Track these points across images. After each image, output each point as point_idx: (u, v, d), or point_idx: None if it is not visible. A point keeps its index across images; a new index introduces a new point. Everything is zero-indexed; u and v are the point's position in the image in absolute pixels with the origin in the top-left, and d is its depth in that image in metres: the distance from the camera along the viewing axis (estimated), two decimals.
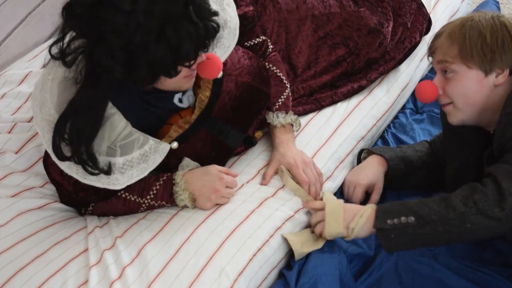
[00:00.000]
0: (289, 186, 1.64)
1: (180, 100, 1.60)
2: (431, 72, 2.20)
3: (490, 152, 1.47)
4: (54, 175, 1.56)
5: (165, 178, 1.57)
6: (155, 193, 1.57)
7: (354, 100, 1.93)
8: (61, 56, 1.36)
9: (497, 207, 1.31)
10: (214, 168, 1.58)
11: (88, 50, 1.33)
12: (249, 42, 1.76)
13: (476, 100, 1.45)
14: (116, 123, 1.45)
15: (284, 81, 1.78)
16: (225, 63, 1.59)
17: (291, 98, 1.81)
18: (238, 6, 1.70)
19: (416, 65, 2.09)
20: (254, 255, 1.49)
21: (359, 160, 1.81)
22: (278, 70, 1.78)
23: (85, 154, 1.40)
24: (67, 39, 1.35)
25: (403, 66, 2.04)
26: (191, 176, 1.56)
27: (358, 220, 1.44)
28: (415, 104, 2.12)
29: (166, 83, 1.43)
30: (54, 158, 1.43)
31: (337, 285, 1.50)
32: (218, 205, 1.58)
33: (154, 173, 1.56)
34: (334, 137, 1.82)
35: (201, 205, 1.56)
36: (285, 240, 1.54)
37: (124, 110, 1.47)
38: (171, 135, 1.56)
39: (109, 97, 1.42)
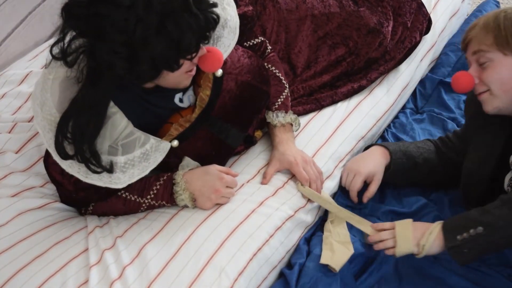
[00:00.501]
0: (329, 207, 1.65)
1: (181, 100, 1.60)
2: (431, 72, 2.21)
3: None
4: (55, 174, 1.56)
5: (165, 178, 1.57)
6: (156, 193, 1.57)
7: (354, 100, 1.93)
8: (63, 56, 1.36)
9: None
10: (214, 168, 1.58)
11: (89, 48, 1.33)
12: (248, 42, 1.76)
13: None
14: (118, 122, 1.45)
15: (283, 81, 1.78)
16: (225, 62, 1.59)
17: (290, 98, 1.81)
18: (237, 6, 1.70)
19: (416, 65, 2.09)
20: (254, 254, 1.49)
21: None
22: (277, 70, 1.78)
23: (88, 152, 1.40)
24: (67, 39, 1.35)
25: (403, 66, 2.04)
26: (191, 176, 1.56)
27: (428, 238, 1.45)
28: (415, 104, 2.13)
29: (168, 78, 1.43)
30: (56, 157, 1.43)
31: (337, 285, 1.50)
32: (218, 204, 1.58)
33: (155, 172, 1.57)
34: (334, 137, 1.82)
35: (201, 205, 1.57)
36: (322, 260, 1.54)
37: (125, 110, 1.47)
38: (172, 134, 1.56)
39: (111, 95, 1.43)
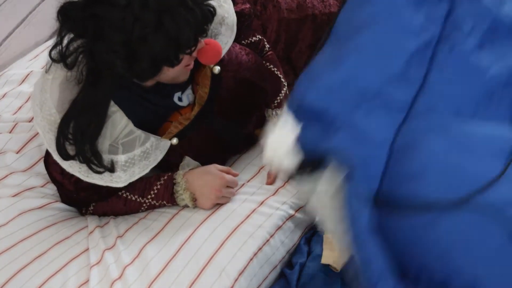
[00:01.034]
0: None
1: (180, 99, 1.60)
2: None
3: None
4: (55, 174, 1.56)
5: (166, 177, 1.57)
6: (156, 193, 1.57)
7: None
8: (62, 59, 1.36)
9: None
10: (215, 167, 1.59)
11: (88, 49, 1.33)
12: (246, 40, 1.77)
13: None
14: (118, 121, 1.46)
15: (282, 79, 1.79)
16: (222, 60, 1.59)
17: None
18: (235, 3, 1.71)
19: None
20: (255, 254, 1.49)
21: None
22: (275, 69, 1.78)
23: (89, 152, 1.41)
24: (65, 41, 1.35)
25: None
26: (192, 176, 1.56)
27: None
28: None
29: (167, 74, 1.43)
30: (57, 157, 1.43)
31: (339, 285, 1.50)
32: (219, 204, 1.58)
33: (155, 171, 1.57)
34: None
35: (201, 205, 1.57)
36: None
37: (125, 109, 1.47)
38: (171, 132, 1.56)
39: (112, 95, 1.43)
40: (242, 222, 1.53)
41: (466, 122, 1.14)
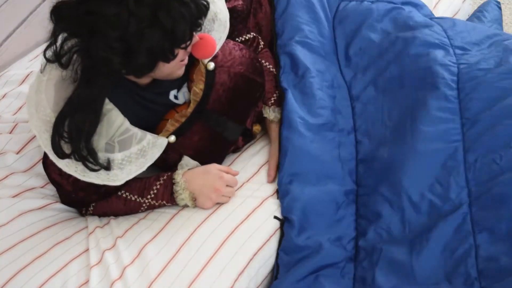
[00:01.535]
0: None
1: (176, 97, 1.60)
2: None
3: None
4: (54, 175, 1.56)
5: (165, 177, 1.57)
6: (156, 193, 1.57)
7: None
8: (57, 59, 1.36)
9: None
10: (214, 167, 1.58)
11: (83, 47, 1.33)
12: (240, 37, 1.77)
13: None
14: (113, 119, 1.45)
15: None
16: (216, 56, 1.59)
17: None
18: (227, 0, 1.71)
19: None
20: (255, 254, 1.49)
21: None
22: (270, 66, 1.78)
23: (85, 150, 1.40)
24: (59, 41, 1.35)
25: None
26: (191, 175, 1.56)
27: None
28: None
29: (162, 70, 1.43)
30: (52, 156, 1.43)
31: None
32: (219, 204, 1.58)
33: (155, 170, 1.57)
34: None
35: (201, 205, 1.57)
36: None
37: (122, 107, 1.47)
38: (168, 129, 1.56)
39: (107, 92, 1.43)
40: (242, 222, 1.53)
41: None
